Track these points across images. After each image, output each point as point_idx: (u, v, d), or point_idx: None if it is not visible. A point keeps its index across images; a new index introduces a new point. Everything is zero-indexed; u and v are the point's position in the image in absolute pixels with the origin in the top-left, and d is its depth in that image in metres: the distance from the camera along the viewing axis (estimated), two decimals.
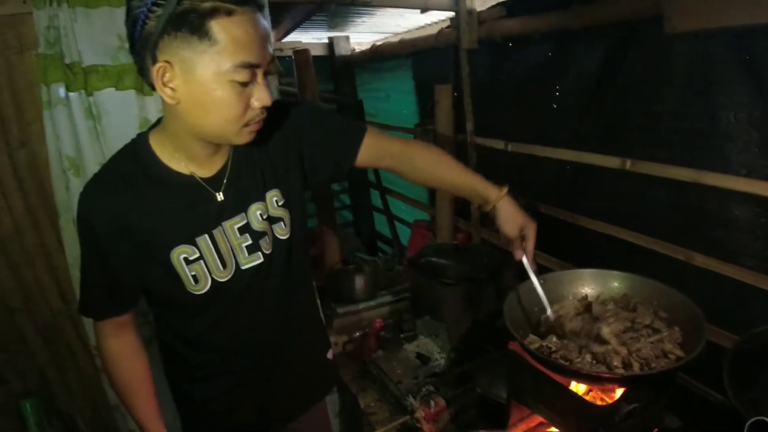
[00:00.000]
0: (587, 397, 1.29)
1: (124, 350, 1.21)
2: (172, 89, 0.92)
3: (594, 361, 1.20)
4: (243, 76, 0.92)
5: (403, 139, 1.35)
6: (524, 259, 1.29)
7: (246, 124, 0.99)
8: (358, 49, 3.92)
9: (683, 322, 1.26)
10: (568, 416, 1.22)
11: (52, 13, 1.79)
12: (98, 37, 1.85)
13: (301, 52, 2.52)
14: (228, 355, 1.25)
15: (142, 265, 1.08)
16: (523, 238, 1.27)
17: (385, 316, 2.32)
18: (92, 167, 1.87)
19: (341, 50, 3.86)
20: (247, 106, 0.96)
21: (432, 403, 1.70)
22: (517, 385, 1.37)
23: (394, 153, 1.29)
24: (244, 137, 1.02)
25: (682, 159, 1.62)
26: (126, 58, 1.89)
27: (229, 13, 0.87)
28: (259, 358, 1.27)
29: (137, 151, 1.07)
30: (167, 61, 0.90)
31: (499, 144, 2.40)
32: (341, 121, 1.30)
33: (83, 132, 1.86)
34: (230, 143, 1.06)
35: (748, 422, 0.97)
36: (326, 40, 3.92)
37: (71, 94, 1.84)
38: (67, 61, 1.83)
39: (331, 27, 3.51)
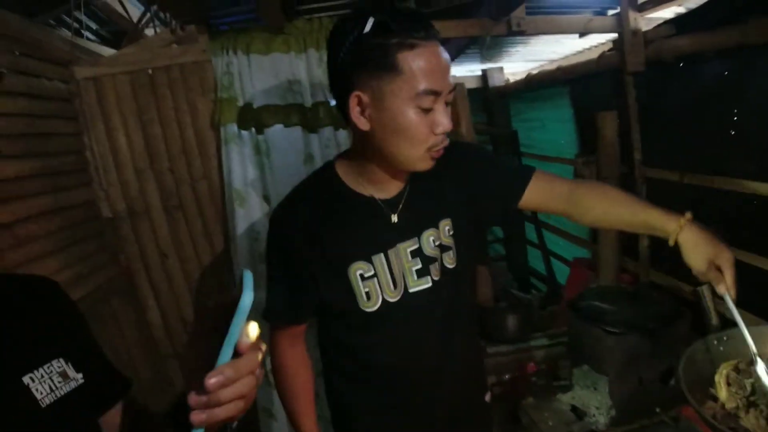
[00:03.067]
0: None
1: (295, 360, 1.31)
2: (366, 118, 1.04)
3: None
4: (426, 102, 1.01)
5: (571, 180, 1.32)
6: (726, 296, 1.12)
7: (428, 149, 1.06)
8: (512, 79, 3.83)
9: None
10: None
11: (228, 60, 2.00)
12: (269, 80, 2.04)
13: (456, 87, 2.50)
14: (388, 376, 1.27)
15: (323, 277, 1.16)
16: (718, 269, 1.11)
17: (538, 361, 2.16)
18: (255, 200, 2.04)
19: (495, 81, 3.81)
20: (430, 131, 1.04)
21: None
22: None
23: (563, 194, 1.26)
24: (426, 163, 1.09)
25: None
26: (293, 98, 2.05)
27: (412, 46, 0.98)
28: (417, 384, 1.27)
29: (323, 175, 1.21)
30: (361, 92, 1.02)
31: (672, 176, 2.14)
32: (509, 163, 1.35)
33: (250, 166, 2.04)
34: (413, 168, 1.11)
35: None
36: (480, 72, 3.89)
37: (243, 132, 2.03)
38: (240, 103, 2.03)
39: (485, 59, 3.47)
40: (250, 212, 2.06)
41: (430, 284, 1.20)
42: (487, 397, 1.46)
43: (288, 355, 1.30)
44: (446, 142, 1.08)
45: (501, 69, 3.82)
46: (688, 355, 1.20)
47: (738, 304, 1.82)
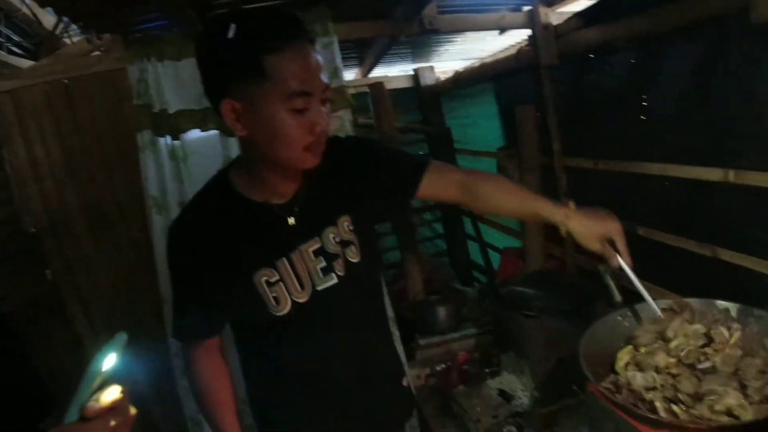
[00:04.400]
0: None
1: (212, 371, 1.28)
2: (241, 123, 1.02)
3: (684, 408, 1.03)
4: (298, 103, 0.99)
5: (468, 169, 1.34)
6: (622, 263, 1.19)
7: (307, 149, 1.05)
8: (443, 77, 3.90)
9: None
10: None
11: (143, 67, 1.98)
12: (185, 85, 2.02)
13: (376, 86, 2.54)
14: (308, 379, 1.27)
15: (229, 288, 1.15)
16: (611, 242, 1.18)
17: (471, 350, 2.21)
18: (173, 206, 2.02)
19: (426, 80, 3.86)
20: (307, 131, 1.03)
21: None
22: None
23: (458, 184, 1.29)
24: (309, 161, 1.08)
25: None
26: (208, 102, 2.03)
27: (277, 49, 0.96)
28: (337, 381, 1.28)
29: (217, 185, 1.19)
30: (234, 99, 1.00)
31: (587, 163, 2.24)
32: (404, 155, 1.36)
33: (167, 173, 2.02)
34: (298, 168, 1.11)
35: None
36: (411, 72, 3.94)
37: (159, 138, 2.01)
38: (156, 109, 2.00)
39: (414, 58, 3.53)
40: (169, 219, 2.03)
41: (335, 280, 1.21)
42: (405, 382, 1.49)
43: (204, 367, 1.28)
44: (324, 139, 1.08)
45: (432, 68, 3.87)
46: (590, 332, 1.26)
47: (654, 280, 1.93)
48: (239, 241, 1.15)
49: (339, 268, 1.21)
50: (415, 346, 2.25)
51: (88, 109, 2.18)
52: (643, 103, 1.97)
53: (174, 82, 1.98)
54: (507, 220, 3.20)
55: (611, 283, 1.34)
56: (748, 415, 0.97)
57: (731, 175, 1.56)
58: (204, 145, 2.03)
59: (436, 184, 1.27)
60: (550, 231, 2.48)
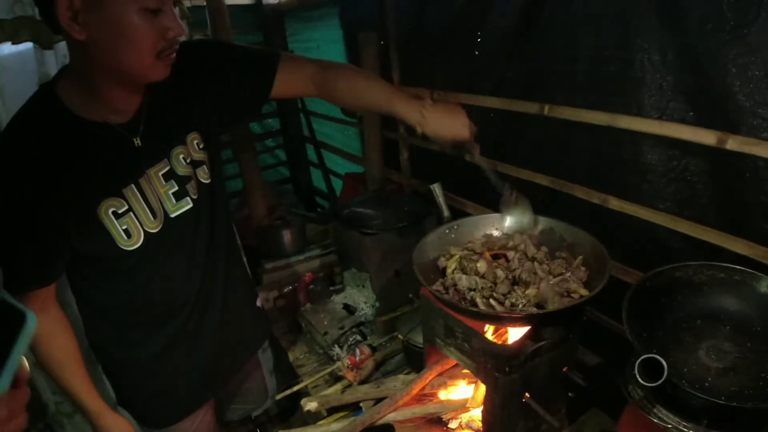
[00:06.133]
0: (495, 338, 1.33)
1: (52, 327, 1.14)
2: (80, 24, 0.89)
3: (500, 302, 1.21)
4: (151, 2, 0.90)
5: (322, 61, 1.29)
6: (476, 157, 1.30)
7: (159, 56, 0.96)
8: None
9: (591, 261, 1.29)
10: (476, 357, 1.25)
11: None
12: None
13: None
14: (161, 311, 1.22)
15: (70, 225, 1.03)
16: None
17: (316, 270, 2.31)
18: None
19: None
20: (159, 36, 0.94)
21: (357, 351, 1.72)
22: (430, 329, 1.39)
23: (314, 77, 1.25)
24: (160, 71, 1.00)
25: (598, 103, 1.60)
26: (21, 10, 1.75)
27: None
28: (192, 311, 1.25)
29: (43, 102, 1.02)
30: None
31: (424, 93, 2.36)
32: (252, 51, 1.27)
33: None
34: (146, 79, 1.01)
35: (638, 360, 0.95)
36: None
37: None
38: None
39: None
40: None
41: (190, 205, 1.16)
42: (259, 302, 1.52)
43: (44, 323, 1.11)
44: (177, 45, 1.00)
45: None
46: (422, 244, 1.40)
47: (479, 201, 2.13)
48: (78, 168, 1.01)
49: (192, 191, 1.16)
50: (261, 271, 2.28)
51: None
52: (477, 39, 2.11)
53: None
54: (350, 146, 3.29)
55: (441, 201, 1.49)
56: (553, 306, 1.17)
57: (546, 109, 1.76)
58: (16, 60, 1.76)
59: (291, 80, 1.23)
60: (389, 156, 2.63)
